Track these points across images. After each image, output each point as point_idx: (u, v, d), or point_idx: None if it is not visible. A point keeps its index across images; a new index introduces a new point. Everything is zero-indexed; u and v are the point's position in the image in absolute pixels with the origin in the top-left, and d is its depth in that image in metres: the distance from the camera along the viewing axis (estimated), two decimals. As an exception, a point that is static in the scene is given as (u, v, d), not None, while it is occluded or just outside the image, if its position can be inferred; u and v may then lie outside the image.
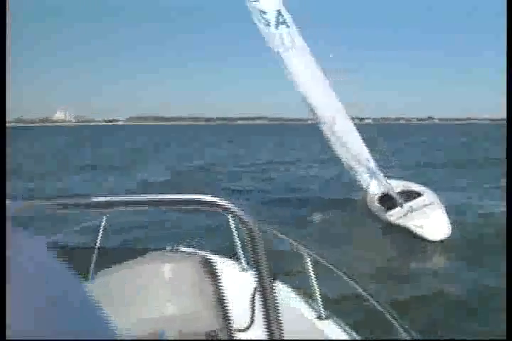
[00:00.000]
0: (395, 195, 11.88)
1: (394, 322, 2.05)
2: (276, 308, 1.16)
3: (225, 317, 1.96)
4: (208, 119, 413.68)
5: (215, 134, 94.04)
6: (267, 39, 11.69)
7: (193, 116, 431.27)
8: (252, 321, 2.28)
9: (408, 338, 1.93)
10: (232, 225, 3.66)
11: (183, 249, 2.98)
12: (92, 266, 2.06)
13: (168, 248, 2.47)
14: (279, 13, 11.43)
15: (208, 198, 1.10)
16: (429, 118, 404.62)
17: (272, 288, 1.17)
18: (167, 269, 2.06)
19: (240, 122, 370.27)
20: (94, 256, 2.10)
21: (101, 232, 3.33)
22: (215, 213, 1.22)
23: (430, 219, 10.40)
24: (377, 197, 12.57)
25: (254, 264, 1.16)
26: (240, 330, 2.69)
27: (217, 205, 1.11)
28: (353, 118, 12.69)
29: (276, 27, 11.46)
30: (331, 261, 2.64)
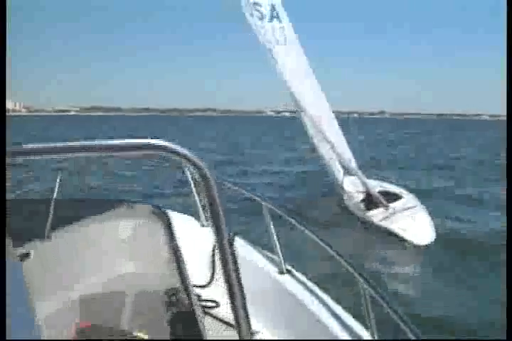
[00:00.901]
0: (377, 195, 11.86)
1: (356, 275, 2.12)
2: (235, 263, 1.14)
3: (185, 274, 1.93)
4: (162, 111, 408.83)
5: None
6: (257, 34, 11.47)
7: (147, 107, 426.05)
8: (212, 277, 2.26)
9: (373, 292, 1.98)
10: (189, 178, 3.60)
11: (140, 204, 2.89)
12: (49, 221, 1.95)
13: (125, 202, 2.33)
14: (273, 7, 11.30)
15: (162, 143, 1.04)
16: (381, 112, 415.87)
17: (231, 243, 1.13)
18: (124, 226, 2.05)
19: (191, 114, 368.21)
20: (51, 212, 1.97)
21: (57, 188, 3.02)
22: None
23: (416, 223, 10.43)
24: (357, 196, 12.61)
25: (212, 218, 1.11)
26: (200, 287, 2.67)
27: (173, 151, 1.04)
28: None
29: (270, 20, 11.32)
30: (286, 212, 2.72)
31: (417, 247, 9.74)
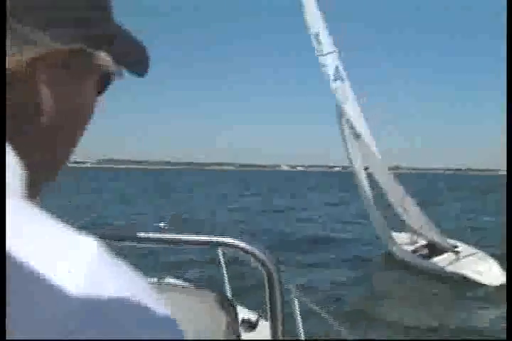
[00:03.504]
0: (442, 242, 12.26)
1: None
2: None
3: None
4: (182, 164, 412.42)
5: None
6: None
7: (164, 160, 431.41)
8: None
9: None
10: (222, 260, 3.56)
11: (170, 280, 2.75)
12: None
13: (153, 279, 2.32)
14: (337, 68, 12.29)
15: (230, 240, 1.11)
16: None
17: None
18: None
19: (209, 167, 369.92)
20: None
21: None
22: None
23: (487, 265, 10.82)
24: (415, 246, 13.02)
25: (271, 317, 1.17)
26: None
27: (240, 248, 1.11)
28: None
29: (334, 81, 12.31)
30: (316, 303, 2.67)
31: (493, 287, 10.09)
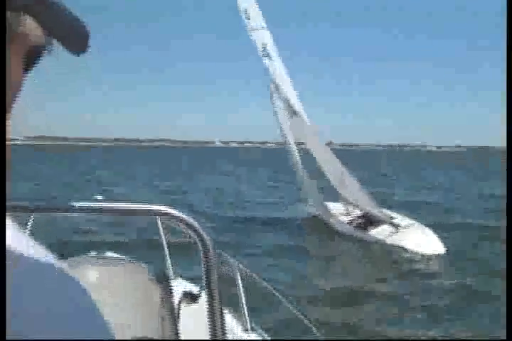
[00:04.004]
0: (378, 214, 12.50)
1: (314, 331, 2.20)
2: (223, 326, 1.21)
3: (154, 325, 1.93)
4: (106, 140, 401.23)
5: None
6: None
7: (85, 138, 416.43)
8: (176, 332, 2.13)
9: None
10: (161, 230, 3.51)
11: (108, 254, 2.73)
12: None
13: (92, 253, 2.29)
14: (264, 46, 12.11)
15: (165, 209, 1.12)
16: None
17: (222, 318, 1.20)
18: (92, 276, 1.94)
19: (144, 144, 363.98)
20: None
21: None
22: None
23: (424, 236, 11.14)
24: (349, 217, 13.34)
25: (206, 285, 1.18)
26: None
27: (175, 217, 1.13)
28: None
29: (264, 58, 12.14)
30: (257, 271, 2.77)
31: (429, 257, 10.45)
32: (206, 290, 1.19)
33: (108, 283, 1.91)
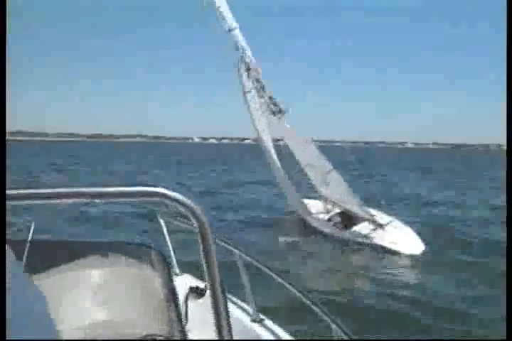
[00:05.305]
0: (359, 212, 12.25)
1: (330, 321, 2.12)
2: (227, 315, 1.15)
3: (161, 321, 1.92)
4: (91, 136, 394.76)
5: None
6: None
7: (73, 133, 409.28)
8: (183, 326, 2.12)
9: (346, 338, 1.98)
10: (164, 228, 3.47)
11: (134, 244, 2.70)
12: (24, 263, 1.81)
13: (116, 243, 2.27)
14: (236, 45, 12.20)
15: (160, 190, 1.06)
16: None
17: (224, 294, 1.15)
18: (96, 275, 1.95)
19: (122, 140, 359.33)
20: (25, 253, 1.89)
21: (31, 234, 2.74)
22: None
23: (404, 235, 11.03)
24: (328, 215, 13.19)
25: (207, 272, 1.13)
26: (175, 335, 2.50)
27: (175, 199, 1.06)
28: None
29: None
30: (263, 262, 2.69)
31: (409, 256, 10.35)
32: (207, 277, 1.14)
33: (113, 282, 1.93)
